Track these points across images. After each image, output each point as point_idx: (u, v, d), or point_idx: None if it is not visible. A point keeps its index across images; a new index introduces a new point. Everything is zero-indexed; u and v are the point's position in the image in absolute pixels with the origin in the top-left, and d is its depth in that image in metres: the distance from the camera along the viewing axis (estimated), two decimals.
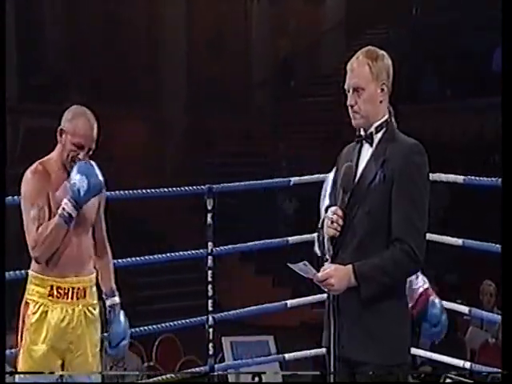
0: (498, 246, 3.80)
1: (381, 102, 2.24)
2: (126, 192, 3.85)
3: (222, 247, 3.95)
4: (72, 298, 2.63)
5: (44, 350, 2.62)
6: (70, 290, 2.63)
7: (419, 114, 9.86)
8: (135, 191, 3.87)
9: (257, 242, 4.05)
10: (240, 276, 8.32)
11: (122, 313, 2.81)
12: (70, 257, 2.63)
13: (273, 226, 8.34)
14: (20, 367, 2.66)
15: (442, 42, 11.00)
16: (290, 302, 4.13)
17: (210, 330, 3.90)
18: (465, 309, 4.12)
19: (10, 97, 8.86)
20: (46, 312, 2.62)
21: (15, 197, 2.90)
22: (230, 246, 4.04)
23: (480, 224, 7.48)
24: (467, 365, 4.02)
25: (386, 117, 2.26)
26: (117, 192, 3.81)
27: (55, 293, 2.61)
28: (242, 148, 11.39)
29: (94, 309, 2.72)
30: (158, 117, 11.27)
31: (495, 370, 3.54)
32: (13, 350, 2.93)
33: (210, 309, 3.89)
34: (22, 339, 2.65)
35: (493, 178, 3.75)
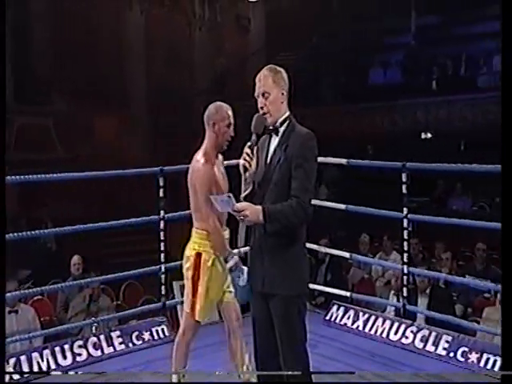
0: (371, 208, 3.90)
1: (282, 102, 2.27)
2: (100, 172, 3.76)
3: (171, 214, 3.88)
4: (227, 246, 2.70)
5: (217, 288, 2.70)
6: (226, 240, 2.71)
7: (318, 115, 9.97)
8: (106, 172, 3.78)
9: None
10: (187, 234, 8.18)
11: None
12: (223, 215, 2.68)
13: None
14: (201, 304, 2.67)
15: (334, 61, 11.19)
16: None
17: (163, 276, 3.86)
18: (348, 254, 4.24)
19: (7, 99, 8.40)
20: (214, 259, 2.67)
21: None
22: (177, 213, 3.97)
23: (361, 194, 7.69)
24: (348, 294, 4.15)
25: (288, 114, 2.29)
26: (93, 172, 3.72)
27: None
28: (190, 141, 11.22)
29: None
30: (126, 114, 11.09)
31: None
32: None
33: (162, 260, 3.84)
34: (197, 281, 2.66)
35: (368, 161, 3.87)
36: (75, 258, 4.76)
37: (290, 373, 2.16)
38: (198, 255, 2.67)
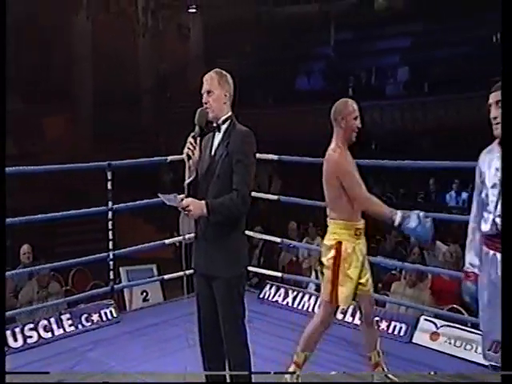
0: (299, 199, 3.96)
1: (225, 103, 2.26)
2: (53, 166, 3.58)
3: (119, 205, 3.75)
4: (363, 235, 2.61)
5: (356, 275, 2.57)
6: (362, 229, 2.61)
7: (254, 115, 10.00)
8: (57, 166, 3.64)
9: (144, 201, 3.86)
10: (132, 225, 7.98)
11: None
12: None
13: (156, 189, 8.05)
14: (341, 289, 2.56)
15: (266, 69, 11.28)
16: (167, 241, 4.05)
17: (111, 262, 3.74)
18: (278, 240, 4.30)
19: None
20: (354, 247, 2.57)
21: None
22: (124, 204, 3.85)
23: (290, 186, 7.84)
24: (279, 274, 4.22)
25: (230, 114, 2.29)
26: (45, 166, 3.55)
27: (357, 233, 2.58)
28: (134, 136, 10.88)
29: None
30: (75, 113, 10.62)
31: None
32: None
33: (111, 247, 3.72)
34: (338, 268, 2.53)
35: (296, 157, 3.92)
36: (25, 247, 4.50)
37: (235, 373, 2.16)
38: (339, 244, 2.54)
